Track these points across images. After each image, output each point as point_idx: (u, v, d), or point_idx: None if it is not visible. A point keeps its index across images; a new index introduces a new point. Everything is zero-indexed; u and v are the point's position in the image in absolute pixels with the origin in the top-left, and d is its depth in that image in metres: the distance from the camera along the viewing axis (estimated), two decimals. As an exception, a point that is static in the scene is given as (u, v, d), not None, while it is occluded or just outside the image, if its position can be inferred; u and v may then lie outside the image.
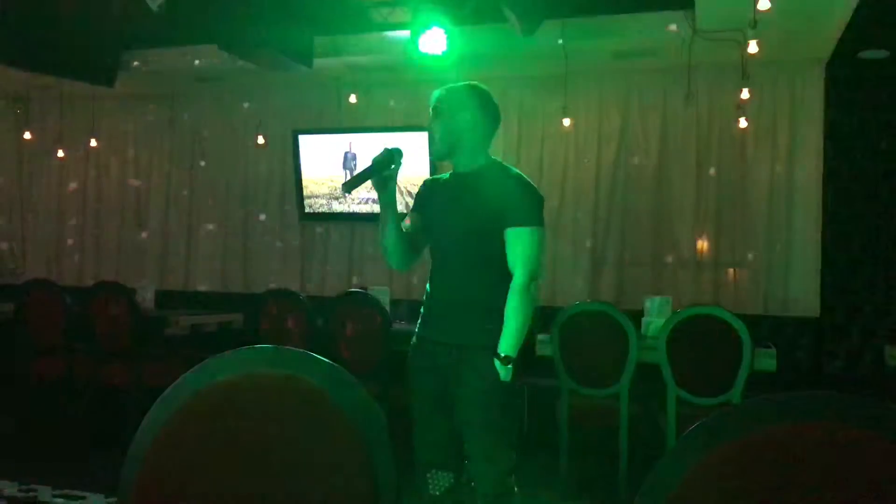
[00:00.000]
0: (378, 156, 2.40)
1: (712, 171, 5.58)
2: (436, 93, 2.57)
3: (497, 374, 2.42)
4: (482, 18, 5.09)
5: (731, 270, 5.59)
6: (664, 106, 5.68)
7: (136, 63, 6.03)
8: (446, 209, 2.54)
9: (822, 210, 5.32)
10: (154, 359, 4.97)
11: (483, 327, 2.45)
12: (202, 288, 6.74)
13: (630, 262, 5.76)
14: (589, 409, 4.18)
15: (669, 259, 5.65)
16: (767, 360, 4.17)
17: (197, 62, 5.94)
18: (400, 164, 2.43)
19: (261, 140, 6.33)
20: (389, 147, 2.42)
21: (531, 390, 4.65)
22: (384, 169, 2.40)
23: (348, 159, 6.19)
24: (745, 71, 4.88)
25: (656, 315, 4.62)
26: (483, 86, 2.62)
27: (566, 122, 5.55)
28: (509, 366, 2.41)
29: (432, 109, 2.55)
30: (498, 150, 5.92)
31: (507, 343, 2.42)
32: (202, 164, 6.85)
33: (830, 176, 5.31)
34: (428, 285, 2.61)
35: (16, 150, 7.29)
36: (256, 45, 4.75)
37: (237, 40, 4.76)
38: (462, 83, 2.60)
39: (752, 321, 4.76)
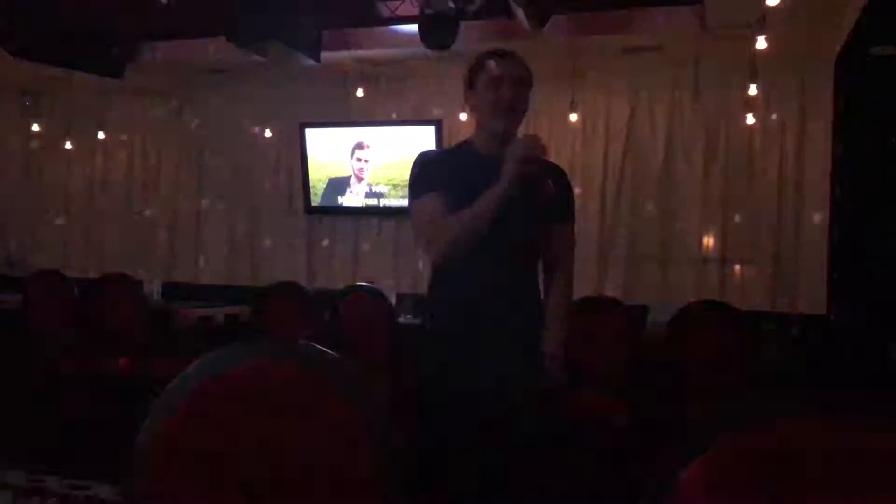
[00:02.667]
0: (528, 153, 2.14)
1: (720, 167, 5.56)
2: (517, 61, 2.27)
3: (546, 376, 2.20)
4: (491, 13, 5.08)
5: (738, 266, 5.58)
6: (672, 102, 5.66)
7: (144, 56, 6.04)
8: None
9: (830, 206, 5.30)
10: (161, 350, 4.99)
11: (532, 328, 2.21)
12: (209, 280, 6.76)
13: (637, 257, 5.75)
14: (595, 404, 4.18)
15: (676, 255, 5.64)
16: (773, 358, 4.16)
17: (205, 55, 5.94)
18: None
19: (268, 133, 6.33)
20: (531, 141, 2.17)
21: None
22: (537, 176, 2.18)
23: (354, 152, 6.19)
24: (753, 67, 4.86)
25: (663, 310, 4.62)
26: None
27: (574, 117, 5.54)
28: (561, 364, 2.24)
29: (518, 78, 2.23)
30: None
31: (557, 341, 2.25)
32: (209, 156, 6.87)
33: (839, 172, 5.28)
34: (451, 286, 2.23)
35: (24, 142, 7.31)
36: (264, 39, 4.75)
37: (245, 33, 4.76)
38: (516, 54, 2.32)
39: (760, 317, 4.76)
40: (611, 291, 5.53)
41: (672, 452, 0.98)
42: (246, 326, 5.41)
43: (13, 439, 4.78)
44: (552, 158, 6.46)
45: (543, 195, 2.25)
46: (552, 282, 2.30)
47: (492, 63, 2.25)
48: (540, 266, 2.34)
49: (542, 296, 2.29)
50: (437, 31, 4.65)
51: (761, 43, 4.35)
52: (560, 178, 2.34)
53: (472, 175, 2.18)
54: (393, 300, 4.75)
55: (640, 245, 5.73)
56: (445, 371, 2.19)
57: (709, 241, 5.61)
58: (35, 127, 6.87)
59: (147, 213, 7.04)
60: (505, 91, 2.21)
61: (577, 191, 5.90)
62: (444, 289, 2.26)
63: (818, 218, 5.33)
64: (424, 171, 2.23)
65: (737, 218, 5.54)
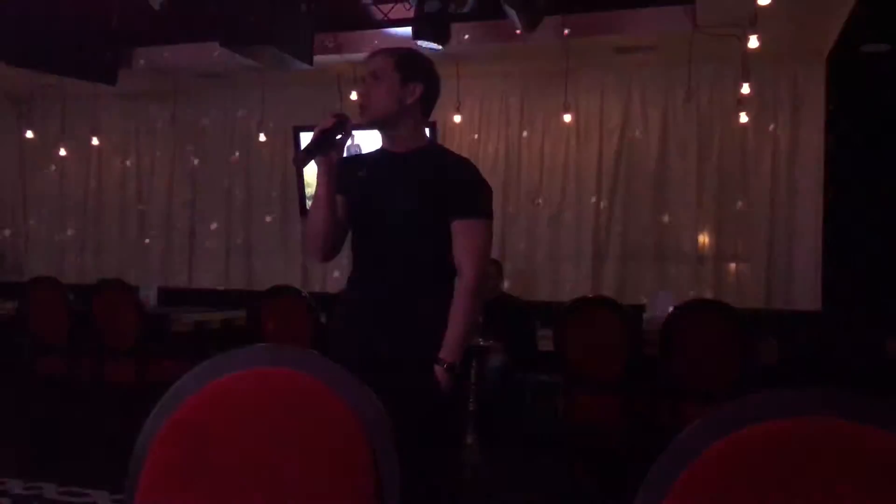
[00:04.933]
0: (325, 124, 2.12)
1: (713, 165, 5.58)
2: (374, 55, 2.27)
3: (436, 386, 2.09)
4: (483, 15, 5.09)
5: (732, 264, 5.59)
6: (665, 101, 5.68)
7: (137, 61, 6.03)
8: (381, 194, 2.20)
9: (823, 203, 5.32)
10: (157, 356, 4.98)
11: (422, 336, 2.13)
12: (205, 285, 6.75)
13: (631, 256, 5.76)
14: (591, 404, 4.19)
15: (671, 253, 5.66)
16: (769, 354, 4.18)
17: (198, 60, 5.94)
18: (350, 133, 2.16)
19: (262, 137, 6.33)
20: (338, 114, 2.16)
21: (532, 386, 4.65)
22: (333, 138, 2.13)
23: (351, 152, 6.19)
24: (745, 66, 4.87)
25: (658, 309, 4.63)
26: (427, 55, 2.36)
27: (567, 117, 5.55)
28: (451, 374, 2.10)
29: (370, 73, 2.22)
30: (500, 146, 6.02)
31: (453, 348, 2.10)
32: (204, 161, 6.86)
33: (832, 169, 5.31)
34: (350, 283, 2.29)
35: (18, 149, 7.29)
36: (257, 43, 4.75)
37: (238, 38, 4.76)
38: (406, 48, 2.32)
39: (754, 315, 4.77)
40: (606, 291, 5.54)
41: (669, 453, 0.99)
42: (242, 331, 5.41)
43: (9, 447, 4.77)
44: (546, 158, 6.43)
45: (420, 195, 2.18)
46: (457, 284, 2.17)
47: None
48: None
49: (443, 300, 2.17)
50: (431, 30, 4.66)
51: (753, 42, 4.37)
52: (460, 173, 2.22)
53: (371, 173, 2.25)
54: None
55: (634, 244, 5.75)
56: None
57: (703, 239, 5.63)
58: (29, 134, 6.85)
59: (142, 218, 7.03)
60: (362, 88, 2.26)
61: (570, 190, 5.94)
62: (342, 299, 2.32)
63: (812, 215, 5.35)
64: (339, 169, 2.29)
65: (731, 216, 5.55)
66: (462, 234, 2.16)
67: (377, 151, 2.32)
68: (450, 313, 2.13)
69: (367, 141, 2.38)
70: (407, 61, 2.23)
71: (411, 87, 2.20)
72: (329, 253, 2.27)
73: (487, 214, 2.21)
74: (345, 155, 2.23)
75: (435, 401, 2.09)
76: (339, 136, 2.14)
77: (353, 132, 2.23)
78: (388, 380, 2.03)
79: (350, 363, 2.06)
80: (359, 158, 2.37)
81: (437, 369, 2.09)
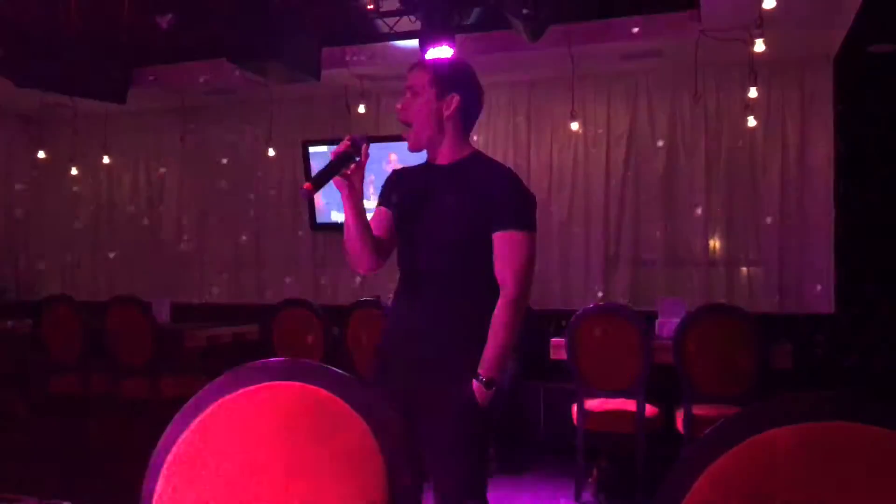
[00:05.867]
0: (339, 149, 2.08)
1: (723, 170, 5.56)
2: (412, 68, 2.24)
3: (474, 399, 2.08)
4: (489, 26, 5.11)
5: (744, 269, 5.57)
6: (672, 106, 5.67)
7: (147, 79, 6.09)
8: (425, 208, 2.20)
9: (834, 206, 5.29)
10: (171, 372, 5.00)
11: (467, 348, 2.12)
12: (217, 300, 6.77)
13: (642, 262, 5.74)
14: (604, 411, 4.17)
15: (682, 258, 5.64)
16: (784, 358, 4.15)
17: (207, 77, 5.99)
18: (366, 154, 2.11)
19: (271, 152, 6.37)
20: (353, 136, 2.11)
21: (545, 393, 4.64)
22: (347, 162, 2.08)
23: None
24: (752, 69, 4.87)
25: (670, 315, 4.61)
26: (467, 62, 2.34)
27: (575, 124, 5.56)
28: (492, 389, 2.08)
29: (408, 87, 2.21)
30: (508, 155, 6.03)
31: (492, 363, 2.09)
32: (214, 176, 6.90)
33: (842, 171, 5.28)
34: (396, 296, 2.30)
35: (30, 169, 7.37)
36: (265, 59, 4.79)
37: (245, 54, 4.80)
38: (443, 59, 2.33)
39: (767, 319, 4.75)
40: (617, 297, 5.53)
41: (684, 460, 0.98)
42: (254, 345, 5.42)
43: (23, 464, 4.79)
44: (555, 166, 6.44)
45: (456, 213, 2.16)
46: (500, 298, 2.15)
47: None
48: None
49: (488, 313, 2.15)
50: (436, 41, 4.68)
51: (759, 45, 4.36)
52: (503, 183, 2.20)
53: (417, 186, 2.26)
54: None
55: (645, 249, 5.73)
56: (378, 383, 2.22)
57: (714, 244, 5.60)
58: (41, 154, 6.92)
59: (153, 235, 7.07)
60: (400, 103, 2.26)
61: (579, 198, 5.95)
62: (388, 313, 2.34)
63: (823, 217, 5.32)
64: (385, 183, 2.36)
65: (742, 220, 5.53)
66: (504, 247, 2.14)
67: (423, 164, 2.33)
68: (490, 328, 2.11)
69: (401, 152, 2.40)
70: (442, 74, 2.22)
71: (448, 99, 2.19)
72: (375, 266, 2.28)
73: (531, 226, 2.19)
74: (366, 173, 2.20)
75: (473, 416, 2.09)
76: (356, 159, 2.10)
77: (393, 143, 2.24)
78: (431, 394, 2.10)
79: (394, 378, 2.14)
80: (404, 171, 2.35)
81: (475, 384, 2.08)
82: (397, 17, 5.13)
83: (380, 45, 5.46)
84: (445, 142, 2.22)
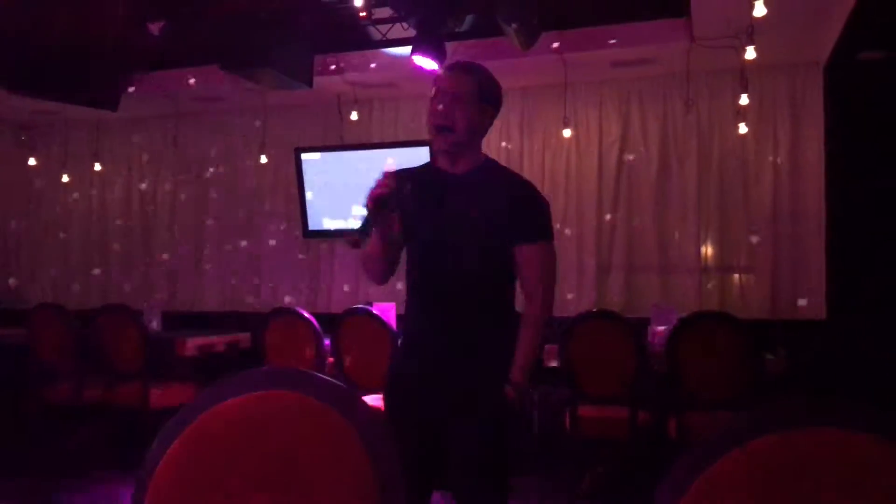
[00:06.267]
0: (380, 191, 1.98)
1: (715, 176, 5.58)
2: (456, 71, 2.18)
3: (510, 407, 2.10)
4: (481, 33, 5.12)
5: (736, 275, 5.58)
6: (664, 113, 5.69)
7: (138, 86, 6.07)
8: (444, 218, 2.15)
9: (825, 212, 5.31)
10: (163, 381, 4.98)
11: (488, 361, 2.12)
12: (209, 308, 6.75)
13: (635, 269, 5.75)
14: (597, 418, 4.17)
15: (675, 265, 5.64)
16: (777, 365, 4.16)
17: (198, 83, 5.98)
18: (406, 190, 2.02)
19: (264, 159, 6.36)
20: (387, 176, 2.01)
21: (539, 401, 4.63)
22: (388, 203, 1.99)
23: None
24: (743, 76, 4.89)
25: (663, 322, 4.62)
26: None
27: (567, 131, 5.57)
28: (521, 394, 2.11)
29: (452, 93, 2.12)
30: (501, 161, 5.96)
31: (525, 370, 2.12)
32: (206, 184, 6.89)
33: (833, 178, 5.30)
34: (410, 310, 2.25)
35: (21, 177, 7.34)
36: (257, 66, 4.79)
37: (237, 61, 4.79)
38: (484, 69, 2.21)
39: (760, 326, 4.76)
40: (610, 304, 5.53)
41: (678, 466, 0.98)
42: (247, 354, 5.40)
43: (16, 473, 4.75)
44: (547, 173, 6.47)
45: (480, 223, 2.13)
46: (526, 305, 2.18)
47: (437, 76, 2.22)
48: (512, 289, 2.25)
49: (509, 322, 2.18)
50: (428, 49, 4.68)
51: (750, 53, 4.39)
52: (524, 196, 2.20)
53: (428, 192, 2.18)
54: (393, 322, 4.74)
55: (638, 257, 5.74)
56: (399, 409, 2.18)
57: (707, 250, 5.62)
58: (31, 161, 6.89)
59: (145, 242, 7.04)
60: (436, 107, 2.15)
61: (572, 205, 5.94)
62: (404, 326, 2.31)
63: (815, 223, 5.34)
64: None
65: (733, 226, 5.55)
66: (530, 259, 2.15)
67: (429, 169, 2.27)
68: (520, 336, 2.13)
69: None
70: (488, 86, 2.21)
71: (486, 109, 2.19)
72: (388, 278, 2.29)
73: (551, 236, 2.22)
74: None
75: (506, 423, 2.10)
76: (397, 196, 2.01)
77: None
78: (457, 409, 2.07)
79: (420, 403, 2.11)
80: (409, 175, 2.19)
81: (509, 390, 2.10)
82: (390, 25, 5.14)
83: (372, 52, 5.47)
84: (469, 150, 2.20)
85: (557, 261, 2.26)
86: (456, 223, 2.15)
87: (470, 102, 2.13)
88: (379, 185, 1.99)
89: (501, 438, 2.11)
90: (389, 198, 1.98)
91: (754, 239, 5.49)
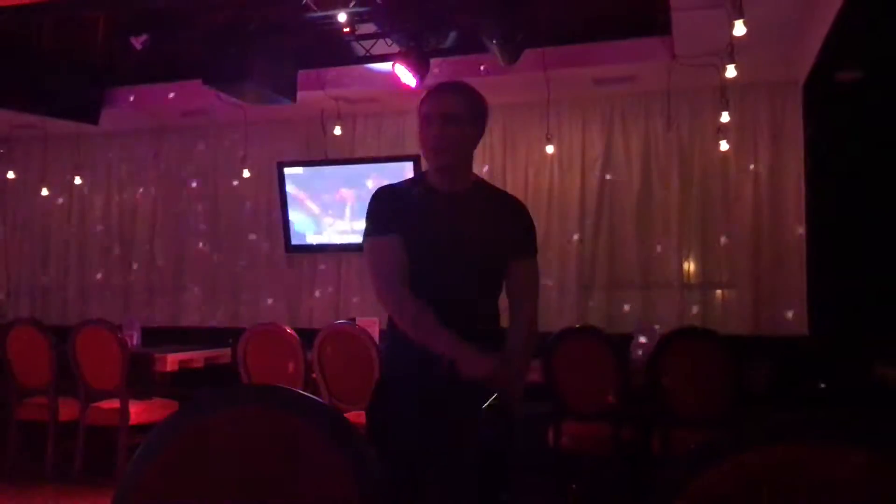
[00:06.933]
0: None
1: (696, 193, 5.63)
2: (447, 94, 2.20)
3: (509, 418, 2.10)
4: (465, 49, 5.15)
5: (718, 291, 5.62)
6: (646, 131, 5.74)
7: (120, 100, 6.05)
8: (445, 238, 2.16)
9: (806, 228, 5.37)
10: (142, 397, 4.92)
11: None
12: (189, 324, 6.69)
13: (617, 285, 5.77)
14: (581, 434, 4.16)
15: (657, 281, 5.67)
16: (759, 380, 4.18)
17: (181, 98, 5.96)
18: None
19: (246, 173, 6.33)
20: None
21: (521, 417, 4.61)
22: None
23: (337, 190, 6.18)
24: (724, 94, 4.95)
25: (645, 338, 4.63)
26: None
27: (550, 148, 5.60)
28: (515, 405, 2.11)
29: (443, 115, 2.14)
30: (483, 177, 5.99)
31: (519, 381, 2.15)
32: (187, 198, 6.84)
33: (812, 194, 5.37)
34: (407, 338, 2.19)
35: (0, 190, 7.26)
36: (240, 81, 4.78)
37: (221, 76, 4.79)
38: (472, 88, 2.24)
39: (742, 341, 4.78)
40: (593, 320, 5.54)
41: (660, 482, 0.98)
42: (227, 370, 5.35)
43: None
44: (530, 189, 6.47)
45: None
46: (514, 317, 2.20)
47: (423, 99, 2.22)
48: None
49: (499, 336, 2.19)
50: (411, 65, 4.71)
51: (731, 72, 4.44)
52: (518, 213, 2.27)
53: (427, 211, 2.19)
54: (376, 337, 4.72)
55: (620, 273, 5.76)
56: (396, 424, 2.13)
57: (689, 267, 5.65)
58: (10, 174, 6.82)
59: (125, 256, 6.98)
60: (431, 129, 2.15)
61: (555, 220, 5.96)
62: (401, 341, 2.19)
63: (795, 239, 5.39)
64: (382, 206, 2.22)
65: (715, 243, 5.59)
66: (526, 274, 2.23)
67: (420, 188, 2.24)
68: (514, 350, 2.15)
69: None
70: (477, 103, 2.23)
71: (478, 126, 2.22)
72: None
73: (537, 251, 2.30)
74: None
75: (504, 435, 2.11)
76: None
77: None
78: (456, 421, 2.04)
79: (412, 408, 2.08)
80: (396, 191, 2.23)
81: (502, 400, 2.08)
82: (374, 40, 5.15)
83: (356, 67, 5.48)
84: (462, 169, 2.23)
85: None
86: (456, 241, 2.16)
87: (462, 122, 2.16)
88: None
89: (498, 457, 2.13)
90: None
91: (735, 255, 5.53)
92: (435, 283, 2.15)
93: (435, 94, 2.21)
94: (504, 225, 2.21)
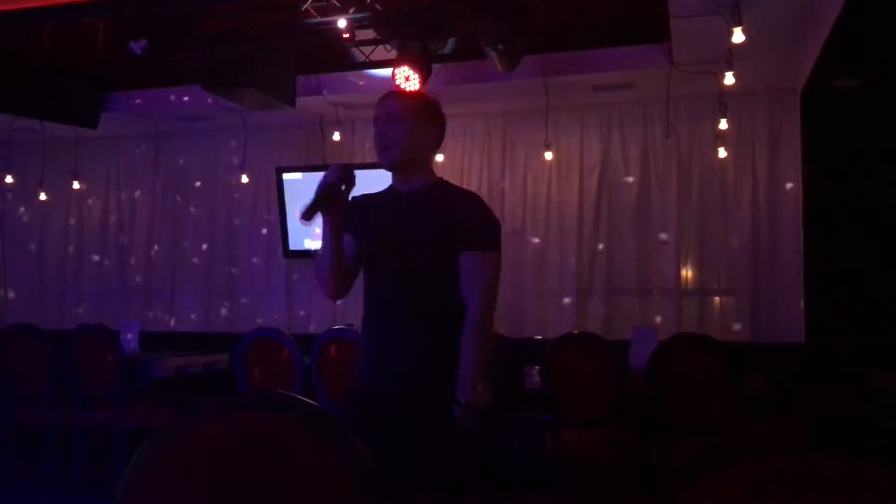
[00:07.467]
0: (328, 177, 2.13)
1: (694, 200, 5.63)
2: (389, 98, 2.32)
3: (456, 426, 2.06)
4: (464, 56, 5.17)
5: (716, 298, 5.62)
6: (644, 137, 5.75)
7: (119, 104, 6.05)
8: (393, 237, 2.23)
9: (803, 236, 5.37)
10: (139, 402, 4.90)
11: (439, 376, 2.11)
12: (187, 328, 6.68)
13: (616, 292, 5.77)
14: (579, 441, 4.16)
15: (655, 288, 5.67)
16: (756, 387, 4.18)
17: (180, 103, 5.96)
18: (354, 184, 2.15)
19: (245, 179, 6.33)
20: (340, 165, 2.18)
21: (520, 424, 4.61)
22: (338, 190, 2.13)
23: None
24: (722, 101, 4.96)
25: (643, 345, 4.62)
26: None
27: (549, 154, 5.61)
28: (472, 414, 2.06)
29: (386, 114, 2.25)
30: (482, 183, 6.05)
31: (468, 386, 2.08)
32: (186, 203, 6.84)
33: (810, 202, 5.38)
34: (365, 324, 2.30)
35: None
36: (239, 86, 4.78)
37: (220, 81, 4.79)
38: (421, 93, 2.38)
39: (739, 349, 4.78)
40: (591, 327, 5.54)
41: (659, 489, 0.97)
42: (225, 375, 5.34)
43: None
44: (529, 195, 6.45)
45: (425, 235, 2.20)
46: (465, 319, 2.15)
47: (376, 108, 2.32)
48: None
49: (456, 331, 2.17)
50: (410, 71, 4.71)
51: (729, 79, 4.45)
52: (472, 207, 2.25)
53: (384, 211, 2.29)
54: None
55: (618, 279, 5.76)
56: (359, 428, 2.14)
57: (687, 273, 5.65)
58: (8, 179, 6.81)
59: (123, 262, 6.97)
60: (377, 130, 2.28)
61: (553, 227, 5.96)
62: (363, 342, 2.31)
63: (793, 247, 5.40)
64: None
65: (713, 250, 5.60)
66: (469, 268, 2.17)
67: (387, 191, 2.35)
68: (462, 351, 2.12)
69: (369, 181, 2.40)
70: (422, 103, 2.32)
71: (427, 128, 2.27)
72: (341, 292, 2.31)
73: (495, 247, 2.23)
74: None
75: (455, 442, 2.07)
76: (343, 188, 2.15)
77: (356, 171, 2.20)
78: (408, 423, 2.06)
79: (368, 406, 2.10)
80: (368, 198, 2.34)
81: (456, 409, 2.07)
82: (373, 47, 5.16)
83: (355, 73, 5.49)
84: (417, 169, 2.28)
85: (498, 276, 2.24)
86: (404, 239, 2.22)
87: (404, 120, 2.24)
88: (331, 173, 2.13)
89: (447, 463, 2.08)
90: (339, 182, 2.13)
91: (733, 262, 5.54)
92: (385, 279, 2.24)
93: (382, 99, 2.33)
94: (456, 220, 2.19)
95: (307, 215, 2.08)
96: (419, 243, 2.19)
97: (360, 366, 2.31)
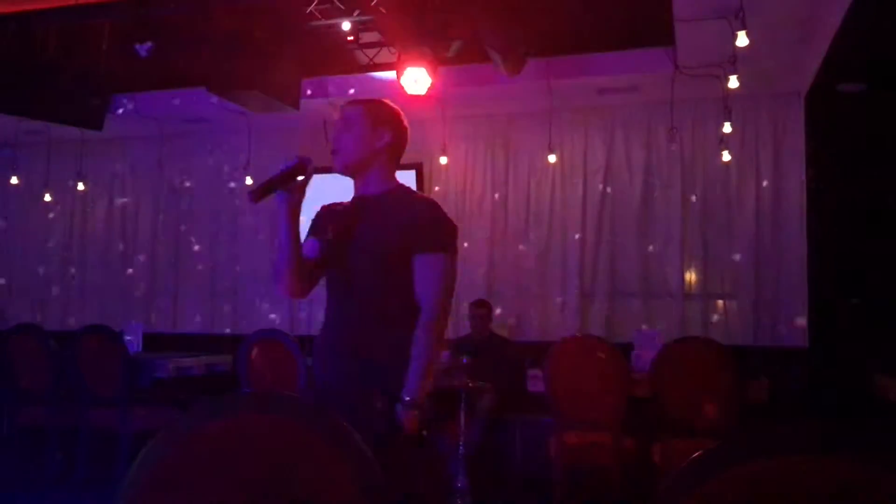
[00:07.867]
0: (288, 163, 2.18)
1: (697, 203, 5.63)
2: (346, 104, 2.40)
3: (400, 425, 2.06)
4: (468, 59, 5.17)
5: (720, 301, 5.61)
6: (648, 140, 5.75)
7: (124, 107, 6.06)
8: (350, 235, 2.27)
9: (807, 239, 5.36)
10: (142, 403, 4.91)
11: (389, 374, 2.12)
12: (190, 330, 6.69)
13: (619, 295, 5.77)
14: (581, 445, 4.15)
15: (658, 291, 5.67)
16: (759, 391, 4.17)
17: (185, 105, 5.98)
18: (311, 174, 2.19)
19: (248, 180, 6.34)
20: (301, 156, 2.21)
21: (523, 427, 4.61)
22: (293, 178, 2.17)
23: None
24: (726, 105, 4.96)
25: (646, 348, 4.62)
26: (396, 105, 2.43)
27: (552, 157, 5.61)
28: (415, 412, 2.06)
29: (340, 119, 2.34)
30: (486, 187, 6.06)
31: (414, 385, 2.08)
32: (190, 205, 6.86)
33: (814, 206, 5.37)
34: (324, 323, 2.37)
35: (2, 195, 7.27)
36: (244, 88, 4.79)
37: (225, 83, 4.80)
38: (376, 99, 2.41)
39: (743, 352, 4.78)
40: (594, 330, 5.53)
41: (662, 493, 0.97)
42: (227, 376, 5.35)
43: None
44: (532, 198, 6.43)
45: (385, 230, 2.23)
46: (419, 319, 2.16)
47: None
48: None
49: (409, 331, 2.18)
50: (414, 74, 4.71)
51: (733, 82, 4.45)
52: (426, 211, 2.27)
53: (344, 217, 2.34)
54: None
55: (621, 282, 5.76)
56: None
57: (690, 276, 5.65)
58: (13, 180, 6.83)
59: (127, 263, 6.98)
60: (333, 134, 2.37)
61: (556, 229, 5.95)
62: (317, 340, 2.39)
63: (796, 251, 5.39)
64: (313, 219, 2.44)
65: (716, 253, 5.59)
66: (423, 269, 2.19)
67: (353, 198, 2.40)
68: (412, 350, 2.12)
69: (334, 187, 2.45)
70: (375, 109, 2.36)
71: (379, 132, 2.31)
72: (300, 291, 2.33)
73: (449, 249, 2.24)
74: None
75: (400, 440, 2.06)
76: (300, 178, 2.19)
77: (319, 175, 2.24)
78: (356, 419, 2.06)
79: (323, 403, 2.12)
80: (335, 205, 2.42)
81: (399, 408, 2.08)
82: (377, 49, 5.17)
83: (359, 76, 5.50)
84: (373, 174, 2.32)
85: (453, 278, 2.25)
86: (361, 244, 2.25)
87: (356, 125, 2.31)
88: (289, 160, 2.22)
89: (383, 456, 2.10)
90: (296, 171, 2.19)
91: (737, 265, 5.53)
92: (342, 281, 2.30)
93: (342, 106, 2.41)
94: (412, 223, 2.21)
95: (257, 196, 2.12)
96: (374, 245, 2.21)
97: (315, 364, 2.38)
